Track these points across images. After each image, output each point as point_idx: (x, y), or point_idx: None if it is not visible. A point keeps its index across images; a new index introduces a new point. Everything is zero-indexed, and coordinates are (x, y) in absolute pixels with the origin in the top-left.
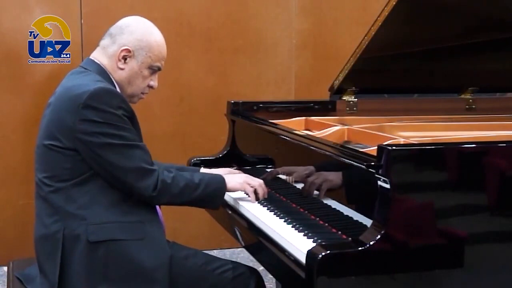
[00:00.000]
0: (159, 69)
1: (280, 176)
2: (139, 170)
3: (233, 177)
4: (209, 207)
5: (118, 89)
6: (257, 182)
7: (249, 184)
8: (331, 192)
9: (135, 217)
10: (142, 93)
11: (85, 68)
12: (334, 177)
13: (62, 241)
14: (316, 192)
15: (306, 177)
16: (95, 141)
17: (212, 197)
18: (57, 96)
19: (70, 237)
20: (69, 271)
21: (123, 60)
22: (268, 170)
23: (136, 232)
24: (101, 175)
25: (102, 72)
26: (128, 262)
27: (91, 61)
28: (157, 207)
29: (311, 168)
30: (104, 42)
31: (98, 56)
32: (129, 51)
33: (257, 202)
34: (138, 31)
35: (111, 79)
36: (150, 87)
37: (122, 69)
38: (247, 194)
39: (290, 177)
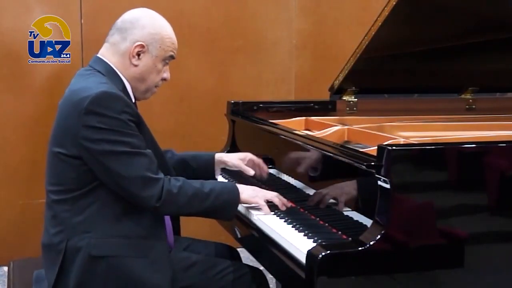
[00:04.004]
0: (173, 57)
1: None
2: (143, 179)
3: (247, 190)
4: (220, 218)
5: (128, 88)
6: (272, 195)
7: (264, 197)
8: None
9: (140, 231)
10: (156, 86)
11: (93, 68)
12: (350, 189)
13: (64, 252)
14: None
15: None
16: (98, 148)
17: (223, 209)
18: (63, 100)
19: (72, 249)
20: (67, 282)
21: (137, 56)
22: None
23: (140, 249)
24: (106, 184)
25: (110, 71)
26: (129, 279)
27: (98, 60)
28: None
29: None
30: (114, 38)
31: (106, 53)
32: (143, 46)
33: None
34: (149, 24)
35: (120, 78)
36: (164, 79)
37: (136, 65)
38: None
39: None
